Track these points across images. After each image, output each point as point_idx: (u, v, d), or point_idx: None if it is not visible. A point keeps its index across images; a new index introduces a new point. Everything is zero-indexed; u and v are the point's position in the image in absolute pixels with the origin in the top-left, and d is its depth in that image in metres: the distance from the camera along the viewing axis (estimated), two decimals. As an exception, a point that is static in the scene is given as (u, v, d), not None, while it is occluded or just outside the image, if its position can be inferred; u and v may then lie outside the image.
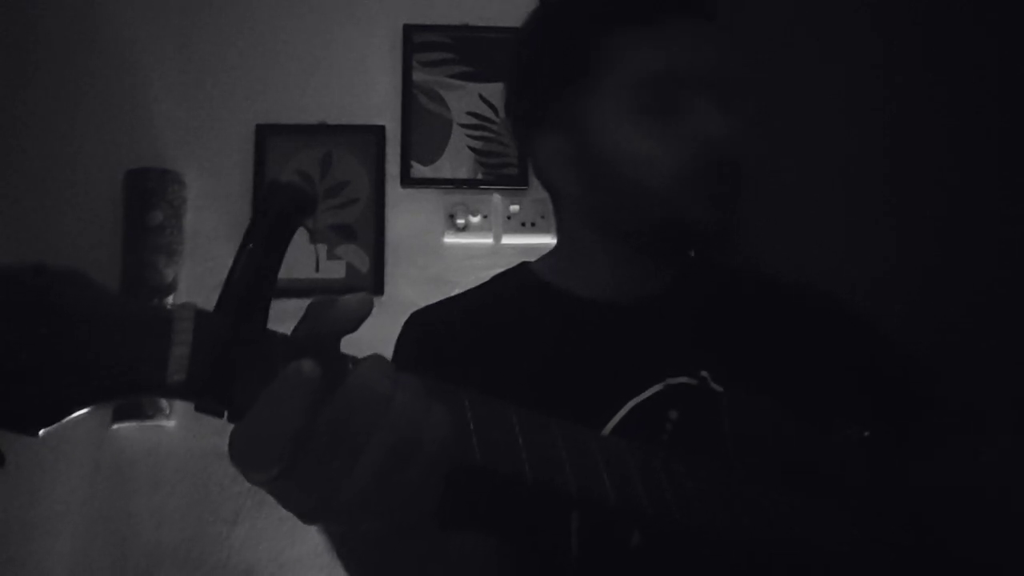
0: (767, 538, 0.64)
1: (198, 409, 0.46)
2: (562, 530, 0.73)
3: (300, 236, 1.84)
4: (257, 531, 1.67)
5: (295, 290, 1.78)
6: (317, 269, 1.82)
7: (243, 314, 0.46)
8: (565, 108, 0.86)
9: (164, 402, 1.68)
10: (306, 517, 0.49)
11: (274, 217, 0.47)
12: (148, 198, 1.77)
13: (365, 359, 0.48)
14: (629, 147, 0.82)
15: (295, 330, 0.49)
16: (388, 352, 0.88)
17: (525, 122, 0.91)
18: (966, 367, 1.20)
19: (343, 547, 0.58)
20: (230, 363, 0.45)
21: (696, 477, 0.61)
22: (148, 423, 1.68)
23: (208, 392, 0.45)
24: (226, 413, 0.46)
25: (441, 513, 0.53)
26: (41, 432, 0.43)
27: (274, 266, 0.47)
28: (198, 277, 1.77)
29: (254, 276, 0.46)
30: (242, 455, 0.45)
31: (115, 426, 1.68)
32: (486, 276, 0.97)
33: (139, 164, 1.80)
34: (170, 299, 1.73)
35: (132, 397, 0.45)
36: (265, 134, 1.87)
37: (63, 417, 0.43)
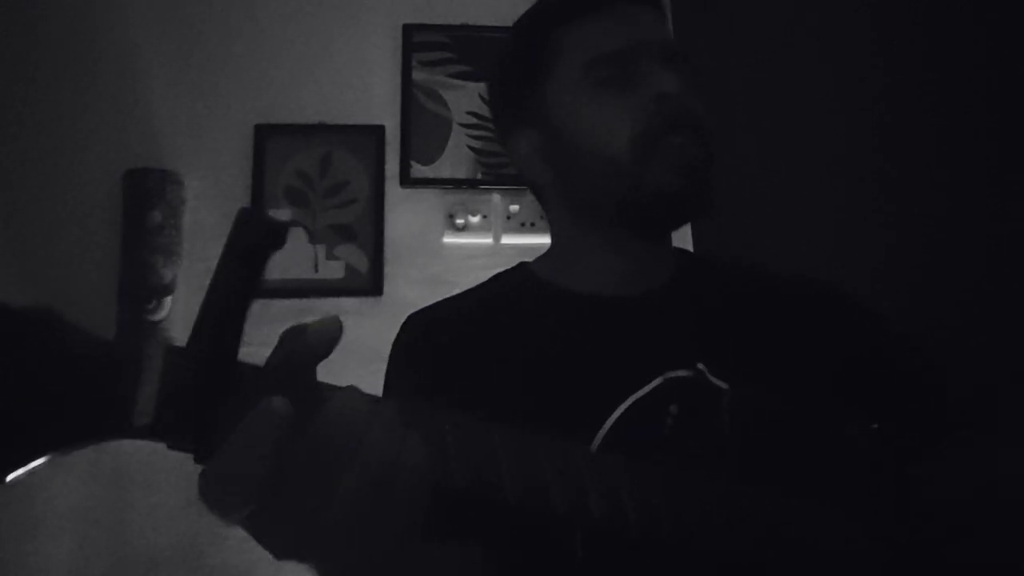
0: (762, 543, 0.63)
1: (170, 448, 0.46)
2: (567, 530, 0.73)
3: (299, 236, 1.85)
4: (256, 532, 1.66)
5: (294, 290, 1.79)
6: (316, 269, 1.81)
7: (215, 349, 0.45)
8: (532, 104, 0.90)
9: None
10: (282, 554, 0.48)
11: (242, 250, 0.46)
12: (147, 198, 1.76)
13: (338, 392, 0.48)
14: (587, 121, 0.85)
15: (269, 360, 0.49)
16: (386, 352, 0.88)
17: (503, 126, 0.95)
18: (959, 361, 1.20)
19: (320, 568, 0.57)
20: (199, 403, 0.45)
21: (688, 486, 0.61)
22: (146, 424, 1.67)
23: (174, 433, 0.45)
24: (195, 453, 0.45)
25: (426, 526, 0.53)
26: (8, 479, 0.42)
27: (246, 299, 0.46)
28: (197, 277, 1.76)
29: (225, 310, 0.45)
30: (212, 496, 0.45)
31: (113, 427, 1.68)
32: (486, 276, 0.97)
33: (138, 164, 1.80)
34: (168, 300, 1.73)
35: (98, 441, 0.45)
36: (264, 134, 1.87)
37: (24, 464, 0.42)
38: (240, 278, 0.46)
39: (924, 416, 0.89)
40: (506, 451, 0.53)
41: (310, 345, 0.48)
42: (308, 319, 0.50)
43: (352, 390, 0.48)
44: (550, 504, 0.53)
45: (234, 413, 0.44)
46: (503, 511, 0.66)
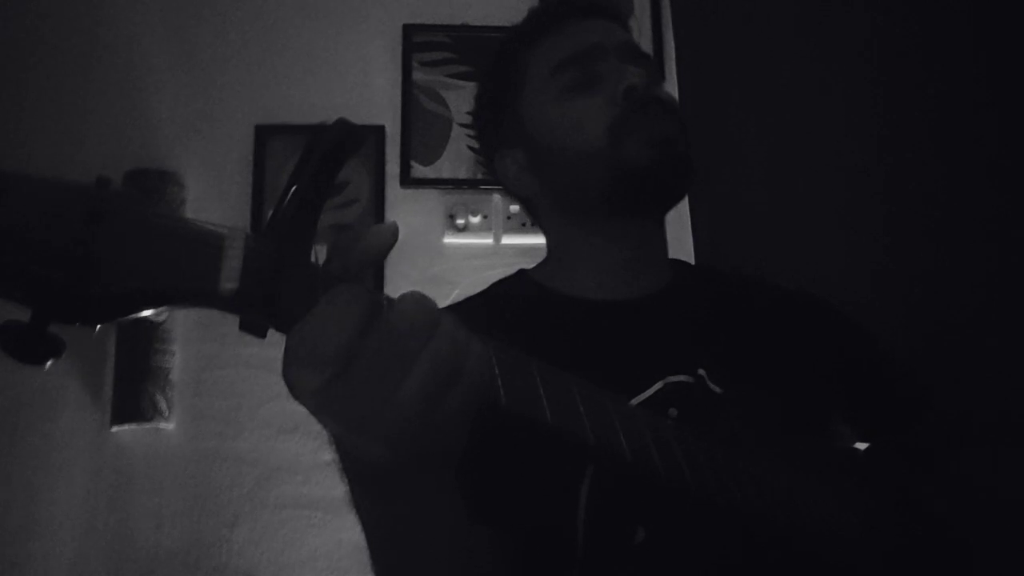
0: (773, 511, 0.65)
1: (242, 326, 0.48)
2: (568, 524, 0.73)
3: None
4: (256, 534, 1.67)
5: (295, 291, 1.79)
6: (317, 270, 1.81)
7: (289, 240, 0.48)
8: (510, 123, 0.94)
9: (163, 404, 1.68)
10: (346, 432, 0.49)
11: (323, 151, 0.49)
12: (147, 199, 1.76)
13: (407, 293, 0.50)
14: (561, 124, 0.89)
15: (326, 263, 0.51)
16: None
17: (488, 150, 1.00)
18: (961, 371, 1.20)
19: (364, 490, 0.57)
20: (278, 279, 0.47)
21: (705, 447, 0.63)
22: (148, 425, 1.67)
23: (257, 304, 0.47)
24: (270, 328, 0.48)
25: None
26: (98, 327, 0.46)
27: (321, 198, 0.49)
28: (197, 278, 1.76)
29: (300, 207, 0.49)
30: (297, 357, 0.46)
31: (115, 428, 1.68)
32: (486, 276, 0.98)
33: (138, 165, 1.80)
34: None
35: (185, 303, 0.48)
36: (264, 135, 1.87)
37: (119, 316, 0.46)
38: (318, 177, 0.49)
39: (909, 425, 0.91)
40: (544, 379, 0.55)
41: (365, 249, 0.51)
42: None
43: (417, 293, 0.50)
44: (582, 433, 0.56)
45: (305, 301, 0.47)
46: (524, 473, 0.66)
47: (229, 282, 0.46)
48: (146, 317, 0.47)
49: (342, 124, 0.50)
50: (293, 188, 0.49)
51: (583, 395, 0.57)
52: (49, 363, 0.45)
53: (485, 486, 0.66)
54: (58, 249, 0.44)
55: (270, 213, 0.49)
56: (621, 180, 0.86)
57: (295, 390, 0.47)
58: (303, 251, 0.49)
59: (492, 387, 0.52)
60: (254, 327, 0.48)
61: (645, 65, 0.92)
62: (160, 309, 0.47)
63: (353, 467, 0.54)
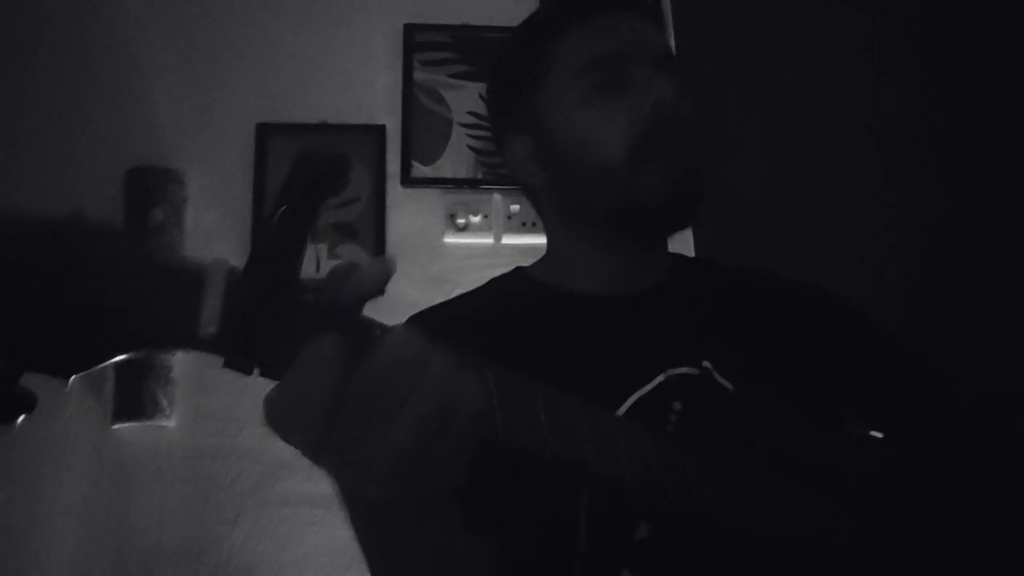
0: (774, 529, 0.64)
1: (226, 364, 0.46)
2: (571, 522, 0.73)
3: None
4: (257, 531, 1.67)
5: (296, 289, 1.79)
6: (318, 268, 1.81)
7: (274, 274, 0.46)
8: (526, 110, 0.90)
9: (164, 402, 1.68)
10: (339, 476, 0.49)
11: (308, 182, 0.47)
12: (149, 197, 1.76)
13: (395, 327, 0.48)
14: (581, 127, 0.85)
15: (320, 296, 0.49)
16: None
17: (499, 131, 0.96)
18: (966, 367, 1.20)
19: (360, 515, 0.58)
20: (260, 320, 0.46)
21: (712, 467, 0.62)
22: (148, 423, 1.68)
23: (238, 347, 0.45)
24: (256, 369, 0.46)
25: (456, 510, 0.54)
26: (72, 377, 0.44)
27: (305, 229, 0.47)
28: (199, 276, 1.76)
29: (285, 238, 0.47)
30: (279, 420, 0.45)
31: (115, 426, 1.68)
32: (487, 276, 0.98)
33: (140, 163, 1.80)
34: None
35: (164, 348, 0.46)
36: (266, 133, 1.87)
37: (95, 364, 0.44)
38: (302, 207, 0.47)
39: (914, 416, 0.90)
40: (545, 405, 0.54)
41: (360, 283, 0.49)
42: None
43: (408, 328, 0.49)
44: (583, 460, 0.55)
45: (291, 337, 0.45)
46: (527, 484, 0.67)
47: (208, 327, 0.44)
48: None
49: (333, 157, 0.49)
50: (276, 219, 0.47)
51: (587, 418, 0.56)
52: (21, 419, 0.43)
53: (484, 497, 0.66)
54: (34, 293, 0.41)
55: (250, 253, 0.47)
56: (629, 207, 0.84)
57: (284, 439, 0.46)
58: (287, 286, 0.47)
59: (489, 421, 0.51)
60: (239, 366, 0.46)
61: (676, 76, 0.88)
62: (136, 354, 0.45)
63: (351, 497, 0.54)
